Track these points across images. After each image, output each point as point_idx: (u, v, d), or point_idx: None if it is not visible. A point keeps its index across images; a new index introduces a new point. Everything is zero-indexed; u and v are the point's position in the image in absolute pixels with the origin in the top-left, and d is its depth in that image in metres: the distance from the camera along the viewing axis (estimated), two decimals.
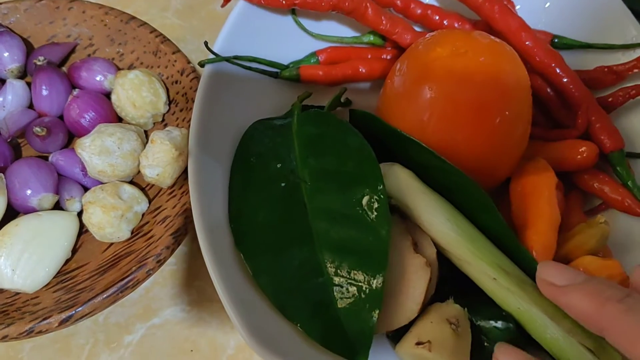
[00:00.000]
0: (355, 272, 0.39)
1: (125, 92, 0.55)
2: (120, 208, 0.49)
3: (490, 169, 0.46)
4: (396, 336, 0.41)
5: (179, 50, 0.58)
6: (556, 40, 0.53)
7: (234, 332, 0.52)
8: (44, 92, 0.56)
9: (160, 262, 0.46)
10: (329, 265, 0.40)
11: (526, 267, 0.40)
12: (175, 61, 0.57)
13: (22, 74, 0.60)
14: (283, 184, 0.44)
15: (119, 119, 0.58)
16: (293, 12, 0.54)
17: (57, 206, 0.53)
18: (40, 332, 0.44)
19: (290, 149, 0.45)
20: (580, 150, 0.47)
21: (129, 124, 0.56)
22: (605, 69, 0.51)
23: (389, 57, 0.55)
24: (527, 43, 0.50)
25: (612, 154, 0.47)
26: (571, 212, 0.48)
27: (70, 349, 0.51)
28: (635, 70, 0.50)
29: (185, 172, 0.51)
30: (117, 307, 0.52)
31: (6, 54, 0.58)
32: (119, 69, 0.59)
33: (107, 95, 0.58)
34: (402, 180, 0.43)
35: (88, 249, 0.51)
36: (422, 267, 0.40)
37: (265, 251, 0.42)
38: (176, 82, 0.57)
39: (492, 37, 0.46)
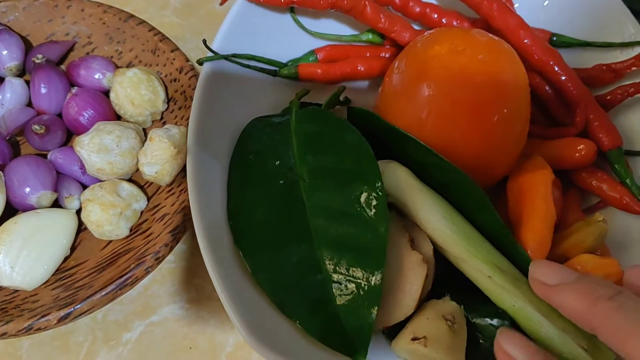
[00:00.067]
0: (354, 269, 0.39)
1: (123, 90, 0.55)
2: (119, 206, 0.49)
3: (488, 167, 0.46)
4: (392, 332, 0.41)
5: (177, 49, 0.58)
6: (555, 39, 0.53)
7: (232, 330, 0.52)
8: (43, 90, 0.56)
9: (158, 260, 0.46)
10: (328, 262, 0.40)
11: (522, 265, 0.40)
12: (174, 59, 0.57)
13: (21, 72, 0.60)
14: (281, 182, 0.44)
15: (118, 117, 0.58)
16: (292, 10, 0.54)
17: (56, 204, 0.53)
18: (39, 330, 0.44)
19: (289, 147, 0.45)
20: (578, 148, 0.47)
21: (127, 122, 0.56)
22: (604, 67, 0.51)
23: (387, 56, 0.55)
24: (525, 41, 0.50)
25: (610, 152, 0.47)
26: (569, 210, 0.48)
27: (69, 346, 0.51)
28: (634, 68, 0.50)
29: (184, 169, 0.51)
30: (116, 304, 0.53)
31: (5, 52, 0.58)
32: (117, 67, 0.59)
33: (106, 93, 0.58)
34: (399, 178, 0.43)
35: (87, 247, 0.51)
36: (418, 264, 0.40)
37: (264, 248, 0.42)
38: (175, 80, 0.57)
39: (491, 35, 0.46)
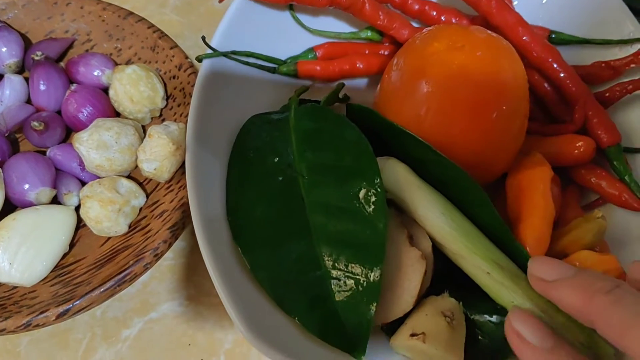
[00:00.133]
0: (353, 265, 0.39)
1: (122, 87, 0.55)
2: (118, 202, 0.49)
3: (486, 164, 0.46)
4: (391, 329, 0.41)
5: (176, 46, 0.58)
6: (553, 36, 0.53)
7: (231, 327, 0.52)
8: (42, 87, 0.56)
9: (157, 256, 0.46)
10: (327, 258, 0.40)
11: (520, 261, 0.39)
12: (173, 56, 0.57)
13: (20, 69, 0.60)
14: (280, 178, 0.44)
15: (117, 114, 0.58)
16: (291, 7, 0.54)
17: (55, 200, 0.53)
18: (37, 326, 0.44)
19: (288, 143, 0.45)
20: (577, 145, 0.47)
21: (126, 119, 0.56)
22: (603, 64, 0.51)
23: (386, 53, 0.55)
24: (524, 38, 0.50)
25: (609, 149, 0.47)
26: (568, 207, 0.48)
27: (67, 343, 0.51)
28: (632, 66, 0.49)
29: (182, 166, 0.51)
30: (115, 301, 0.53)
31: (4, 49, 0.58)
32: (116, 64, 0.59)
33: (105, 90, 0.58)
34: (398, 174, 0.43)
35: (85, 243, 0.51)
36: (417, 260, 0.40)
37: (263, 245, 0.42)
38: (174, 77, 0.57)
39: (489, 31, 0.46)
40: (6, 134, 0.54)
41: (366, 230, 0.40)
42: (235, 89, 0.51)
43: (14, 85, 0.57)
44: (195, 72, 0.56)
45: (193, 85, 0.48)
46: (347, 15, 0.55)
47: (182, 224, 0.48)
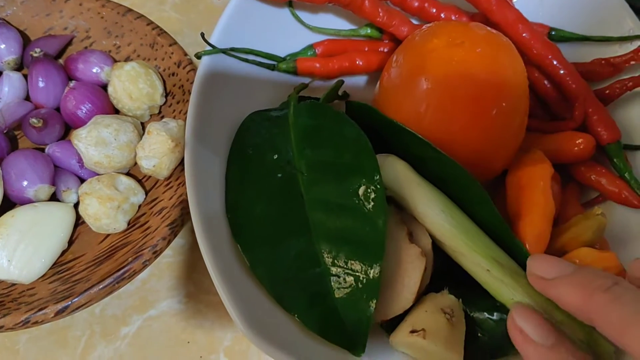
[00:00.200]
0: (352, 262, 0.39)
1: (121, 83, 0.54)
2: (117, 199, 0.49)
3: (486, 161, 0.46)
4: (390, 326, 0.41)
5: (175, 43, 0.58)
6: (553, 33, 0.53)
7: (230, 324, 0.52)
8: (41, 84, 0.56)
9: (156, 253, 0.46)
10: (326, 255, 0.40)
11: (520, 259, 0.39)
12: (172, 53, 0.57)
13: (19, 66, 0.60)
14: (280, 175, 0.44)
15: (116, 111, 0.58)
16: (290, 4, 0.54)
17: (54, 197, 0.53)
18: (36, 323, 0.44)
19: (287, 140, 0.45)
20: (577, 142, 0.47)
21: (125, 116, 0.56)
22: (603, 62, 0.51)
23: (386, 50, 0.55)
24: (524, 35, 0.50)
25: (609, 146, 0.47)
26: (568, 204, 0.48)
27: (66, 340, 0.51)
28: (632, 62, 0.49)
29: (182, 163, 0.51)
30: (114, 298, 0.52)
31: (2, 46, 0.58)
32: (115, 61, 0.59)
33: (104, 87, 0.58)
34: (397, 172, 0.43)
35: (84, 240, 0.51)
36: (417, 257, 0.40)
37: (263, 242, 0.42)
38: (173, 74, 0.57)
39: (489, 28, 0.46)
40: (5, 131, 0.54)
41: (366, 227, 0.40)
42: (235, 86, 0.50)
43: (12, 82, 0.57)
44: (194, 69, 0.55)
45: (192, 83, 0.48)
46: (346, 13, 0.55)
47: (181, 221, 0.48)
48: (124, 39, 0.60)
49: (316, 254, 0.40)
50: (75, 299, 0.44)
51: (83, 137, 0.51)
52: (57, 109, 0.57)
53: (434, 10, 0.53)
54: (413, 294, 0.40)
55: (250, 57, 0.52)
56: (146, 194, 0.53)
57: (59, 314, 0.44)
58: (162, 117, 0.57)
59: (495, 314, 0.41)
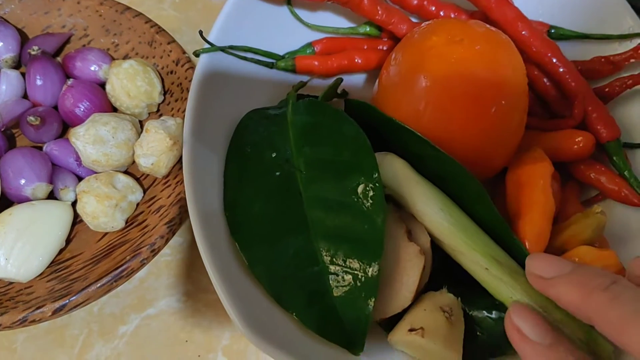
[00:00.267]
0: (351, 260, 0.39)
1: (119, 81, 0.54)
2: (115, 197, 0.49)
3: (485, 159, 0.45)
4: (389, 324, 0.41)
5: (174, 41, 0.58)
6: (553, 31, 0.53)
7: (229, 323, 0.51)
8: (38, 82, 0.56)
9: (154, 252, 0.46)
10: (325, 253, 0.40)
11: (519, 257, 0.39)
12: (171, 51, 0.57)
13: (17, 64, 0.60)
14: (278, 173, 0.44)
15: (114, 109, 0.57)
16: (289, 2, 0.54)
17: (51, 196, 0.53)
18: (33, 321, 0.44)
19: (285, 138, 0.45)
20: (576, 140, 0.47)
21: (123, 114, 0.56)
22: (602, 59, 0.51)
23: (385, 48, 0.55)
24: (523, 33, 0.49)
25: (608, 144, 0.47)
26: (567, 202, 0.48)
27: (64, 339, 0.51)
28: (632, 60, 0.49)
29: (180, 161, 0.50)
30: (112, 297, 0.52)
31: (0, 44, 0.58)
32: (113, 59, 0.59)
33: (102, 85, 0.58)
34: (396, 170, 0.43)
35: (82, 239, 0.51)
36: (416, 255, 0.40)
37: (261, 240, 0.42)
38: (171, 72, 0.57)
39: (488, 26, 0.46)
40: (2, 129, 0.54)
41: (364, 225, 0.40)
42: (233, 84, 0.50)
43: (10, 80, 0.57)
44: (192, 67, 0.55)
45: (190, 81, 0.47)
46: (345, 10, 0.55)
47: (180, 219, 0.48)
48: (122, 37, 0.60)
49: (314, 252, 0.40)
50: (73, 298, 0.44)
51: (81, 135, 0.50)
52: (55, 107, 0.57)
53: (433, 8, 0.53)
54: (412, 292, 0.40)
55: (249, 55, 0.51)
56: (144, 192, 0.53)
57: (56, 312, 0.44)
58: (161, 115, 0.57)
59: (494, 312, 0.41)
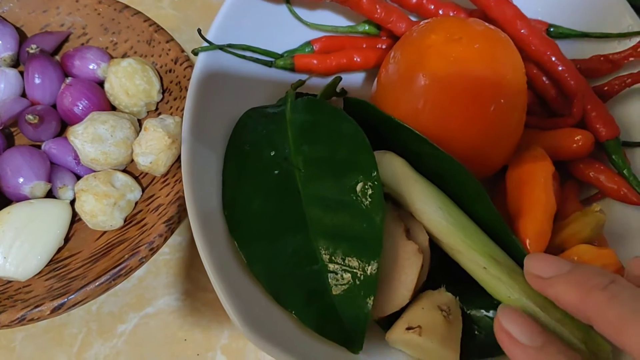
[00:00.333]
0: (350, 258, 0.39)
1: (118, 80, 0.54)
2: (113, 196, 0.49)
3: (484, 157, 0.45)
4: (387, 323, 0.41)
5: (172, 39, 0.57)
6: (552, 30, 0.53)
7: (228, 322, 0.51)
8: (37, 81, 0.56)
9: (153, 250, 0.46)
10: (324, 252, 0.40)
11: (517, 256, 0.39)
12: (169, 50, 0.57)
13: (15, 63, 0.60)
14: (277, 172, 0.44)
15: (113, 108, 0.57)
16: (287, 1, 0.54)
17: (50, 194, 0.53)
18: (32, 320, 0.44)
19: (284, 137, 0.45)
20: (575, 138, 0.47)
21: (122, 112, 0.56)
22: (601, 58, 0.51)
23: (383, 47, 0.55)
24: (522, 31, 0.49)
25: (607, 143, 0.47)
26: (567, 201, 0.48)
27: (62, 338, 0.51)
28: (631, 59, 0.49)
29: (178, 160, 0.51)
30: (110, 296, 0.52)
31: None
32: (112, 57, 0.59)
33: (101, 84, 0.58)
34: (395, 168, 0.42)
35: (81, 238, 0.51)
36: (414, 254, 0.40)
37: (260, 239, 0.42)
38: (170, 71, 0.57)
39: (487, 24, 0.46)
40: (1, 128, 0.54)
41: (363, 223, 0.39)
42: (232, 82, 0.50)
43: (8, 78, 0.56)
44: (191, 66, 0.55)
45: (189, 79, 0.47)
46: (344, 9, 0.55)
47: (178, 218, 0.48)
48: (121, 36, 0.60)
49: (313, 251, 0.40)
50: (72, 296, 0.44)
51: (79, 134, 0.50)
52: (54, 106, 0.56)
53: (432, 7, 0.53)
54: (410, 290, 0.40)
55: (248, 53, 0.51)
56: (143, 190, 0.53)
57: (55, 311, 0.44)
58: (159, 114, 0.57)
59: (492, 311, 0.41)
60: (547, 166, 0.44)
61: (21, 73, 0.58)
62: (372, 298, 0.38)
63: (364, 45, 0.55)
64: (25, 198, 0.51)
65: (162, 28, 0.58)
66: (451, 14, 0.53)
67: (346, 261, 0.39)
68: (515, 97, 0.44)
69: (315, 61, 0.53)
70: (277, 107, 0.48)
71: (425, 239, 0.41)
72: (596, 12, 0.53)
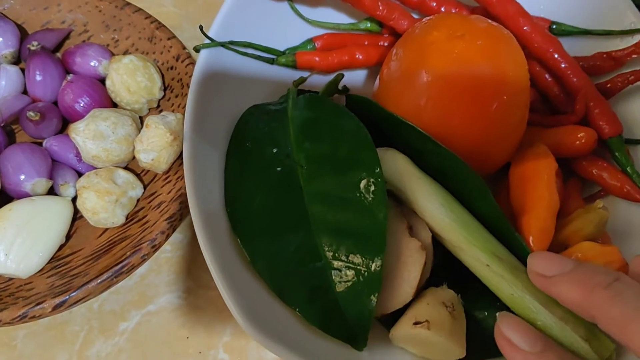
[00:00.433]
0: (353, 255, 0.39)
1: (119, 77, 0.54)
2: (115, 193, 0.49)
3: (487, 155, 0.45)
4: (388, 321, 0.41)
5: (174, 36, 0.57)
6: (554, 27, 0.53)
7: (230, 319, 0.51)
8: (38, 78, 0.56)
9: (155, 248, 0.46)
10: (327, 249, 0.40)
11: (520, 254, 0.39)
12: (171, 47, 0.57)
13: (16, 60, 0.60)
14: (279, 169, 0.44)
15: (114, 105, 0.57)
16: None
17: (51, 191, 0.52)
18: (33, 317, 0.44)
19: (286, 134, 0.45)
20: (578, 136, 0.47)
21: (123, 109, 0.56)
22: (604, 55, 0.51)
23: (386, 44, 0.55)
24: (525, 28, 0.49)
25: (610, 140, 0.47)
26: (570, 199, 0.48)
27: (64, 335, 0.50)
28: (634, 56, 0.49)
29: (180, 157, 0.50)
30: (112, 294, 0.52)
31: (0, 40, 0.58)
32: (113, 55, 0.59)
33: (102, 81, 0.58)
34: (397, 165, 0.42)
35: (82, 235, 0.51)
36: (417, 251, 0.40)
37: (262, 236, 0.42)
38: (171, 68, 0.57)
39: (490, 21, 0.46)
40: (2, 125, 0.54)
41: (366, 220, 0.39)
42: (233, 79, 0.50)
43: (9, 75, 0.56)
44: (193, 63, 0.55)
45: (191, 76, 0.47)
46: (346, 6, 0.55)
47: (180, 215, 0.48)
48: (122, 33, 0.60)
49: (316, 248, 0.40)
50: (73, 294, 0.44)
51: (81, 131, 0.50)
52: (55, 103, 0.56)
53: (434, 4, 0.53)
54: (413, 287, 0.40)
55: (249, 50, 0.51)
56: (145, 188, 0.53)
57: (56, 308, 0.44)
58: (161, 111, 0.56)
59: (495, 311, 0.40)
60: (550, 163, 0.44)
61: (22, 70, 0.58)
62: (376, 295, 0.38)
63: (366, 43, 0.55)
64: (26, 195, 0.51)
65: (163, 25, 0.58)
66: (453, 11, 0.53)
67: (350, 258, 0.39)
68: (518, 94, 0.44)
69: (317, 58, 0.53)
70: (279, 104, 0.48)
71: (428, 236, 0.41)
72: (598, 9, 0.53)
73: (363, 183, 0.40)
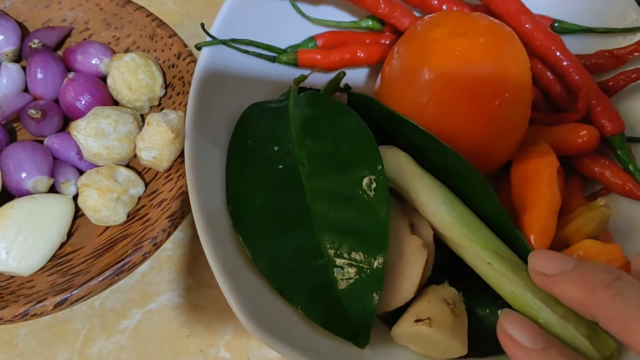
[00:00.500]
0: (355, 253, 0.39)
1: (121, 74, 0.54)
2: (116, 191, 0.49)
3: (489, 153, 0.45)
4: (390, 319, 0.41)
5: (175, 34, 0.57)
6: (556, 25, 0.53)
7: (231, 318, 0.51)
8: (39, 75, 0.56)
9: (156, 245, 0.46)
10: (329, 246, 0.40)
11: (521, 252, 0.39)
12: (172, 45, 0.57)
13: (17, 58, 0.60)
14: (280, 166, 0.43)
15: (115, 103, 0.57)
16: None
17: (53, 189, 0.52)
18: (35, 315, 0.44)
19: (287, 131, 0.45)
20: (580, 134, 0.47)
21: (125, 107, 0.55)
22: (606, 53, 0.51)
23: (387, 42, 0.55)
24: (527, 26, 0.49)
25: (612, 138, 0.47)
26: (572, 197, 0.48)
27: (65, 333, 0.50)
28: (636, 54, 0.49)
29: (182, 155, 0.50)
30: (113, 292, 0.52)
31: (1, 38, 0.58)
32: (115, 52, 0.59)
33: (103, 79, 0.58)
34: (399, 163, 0.42)
35: (84, 233, 0.51)
36: (419, 249, 0.40)
37: (264, 234, 0.42)
38: (173, 66, 0.57)
39: (492, 18, 0.45)
40: (3, 123, 0.54)
41: (368, 217, 0.39)
42: (235, 77, 0.50)
43: (11, 73, 0.56)
44: (194, 61, 0.55)
45: (192, 74, 0.47)
46: (347, 4, 0.55)
47: (182, 213, 0.48)
48: (124, 31, 0.60)
49: (318, 245, 0.40)
50: (75, 292, 0.44)
51: (82, 129, 0.50)
52: (56, 101, 0.56)
53: (436, 2, 0.52)
54: (415, 285, 0.40)
55: (251, 48, 0.51)
56: (146, 186, 0.53)
57: (58, 306, 0.44)
58: (162, 109, 0.56)
59: (496, 309, 0.40)
60: (552, 161, 0.44)
61: (23, 68, 0.58)
62: (378, 292, 0.38)
63: (368, 41, 0.55)
64: (27, 193, 0.51)
65: (164, 23, 0.58)
66: (455, 9, 0.52)
67: (352, 255, 0.39)
68: (520, 92, 0.44)
69: (318, 56, 0.52)
70: (280, 102, 0.48)
71: (429, 233, 0.41)
72: (601, 7, 0.53)
73: (365, 181, 0.40)
